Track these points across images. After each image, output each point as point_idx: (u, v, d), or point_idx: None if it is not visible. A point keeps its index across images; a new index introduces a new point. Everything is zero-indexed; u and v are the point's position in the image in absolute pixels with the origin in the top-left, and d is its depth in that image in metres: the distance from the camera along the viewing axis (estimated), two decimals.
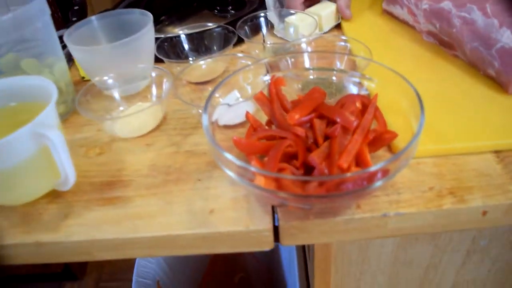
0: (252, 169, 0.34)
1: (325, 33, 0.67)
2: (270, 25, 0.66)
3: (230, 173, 0.36)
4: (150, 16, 0.58)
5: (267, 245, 0.40)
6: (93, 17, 0.61)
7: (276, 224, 0.39)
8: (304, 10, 0.66)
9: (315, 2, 0.70)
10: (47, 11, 0.54)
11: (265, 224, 0.39)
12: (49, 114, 0.40)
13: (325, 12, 0.66)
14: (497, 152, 0.44)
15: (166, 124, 0.53)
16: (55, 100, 0.41)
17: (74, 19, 0.86)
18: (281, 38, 0.66)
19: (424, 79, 0.54)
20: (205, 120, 0.39)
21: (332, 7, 0.67)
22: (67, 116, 0.57)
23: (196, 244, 0.41)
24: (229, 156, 0.34)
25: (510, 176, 0.41)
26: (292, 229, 0.39)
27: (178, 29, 0.66)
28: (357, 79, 0.47)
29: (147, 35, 0.56)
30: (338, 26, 0.70)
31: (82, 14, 0.87)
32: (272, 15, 0.66)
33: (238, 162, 0.34)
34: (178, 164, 0.47)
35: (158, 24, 0.70)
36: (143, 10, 0.60)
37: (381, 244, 0.49)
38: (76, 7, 0.90)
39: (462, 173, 0.42)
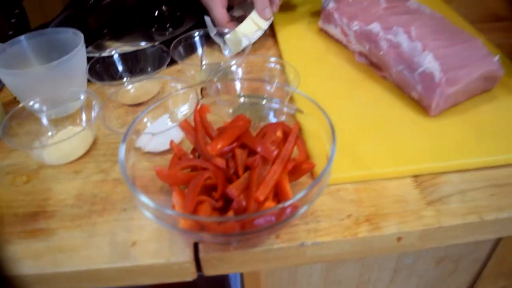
0: (167, 212, 0.34)
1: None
2: (206, 44, 0.66)
3: (147, 214, 0.36)
4: (81, 36, 0.57)
5: (189, 276, 0.41)
6: (22, 37, 0.60)
7: (198, 255, 0.40)
8: (234, 28, 0.67)
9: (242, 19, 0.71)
10: None
11: (187, 256, 0.39)
12: None
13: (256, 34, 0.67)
14: (416, 176, 0.46)
15: (96, 149, 0.53)
16: None
17: (10, 33, 0.83)
18: (220, 56, 0.66)
19: (353, 101, 0.55)
20: (121, 152, 0.39)
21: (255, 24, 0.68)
22: None
23: (119, 277, 0.41)
24: (143, 198, 0.34)
25: (426, 201, 0.43)
26: (214, 260, 0.40)
27: (115, 46, 0.65)
28: (284, 107, 0.48)
29: (78, 56, 0.55)
30: (275, 43, 0.71)
31: (21, 28, 0.85)
32: (214, 35, 0.66)
33: (152, 205, 0.34)
34: (104, 193, 0.47)
35: (98, 39, 0.69)
36: (75, 30, 0.59)
37: (310, 266, 0.50)
38: (13, 20, 0.87)
39: (380, 199, 0.43)
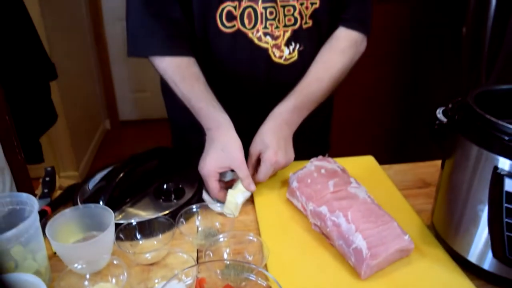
0: None
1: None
2: (201, 214, 0.89)
3: None
4: (112, 215, 0.79)
5: None
6: (67, 210, 0.82)
7: None
8: (226, 196, 0.91)
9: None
10: (37, 216, 0.74)
11: None
12: None
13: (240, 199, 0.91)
14: None
15: None
16: None
17: (45, 190, 1.06)
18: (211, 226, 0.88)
19: (307, 266, 0.76)
20: None
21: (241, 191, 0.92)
22: None
23: None
24: None
25: None
26: None
27: (132, 212, 0.88)
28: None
29: (109, 232, 0.77)
30: (253, 208, 0.94)
31: (52, 186, 1.08)
32: (211, 203, 0.90)
33: None
34: None
35: (121, 206, 0.91)
36: (107, 208, 0.81)
37: None
38: (47, 178, 1.10)
39: None
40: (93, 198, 0.90)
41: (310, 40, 1.09)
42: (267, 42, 1.05)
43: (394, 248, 0.73)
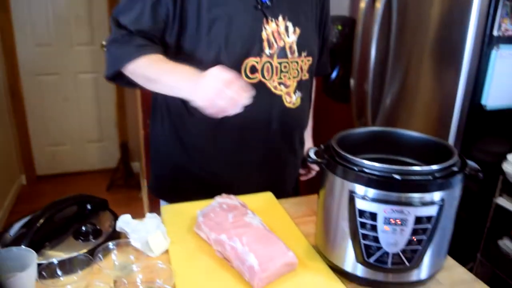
0: None
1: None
2: (118, 249, 1.00)
3: None
4: (33, 253, 0.88)
5: None
6: None
7: None
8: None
9: None
10: None
11: None
12: None
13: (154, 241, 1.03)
14: None
15: None
16: None
17: None
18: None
19: (211, 286, 0.90)
20: None
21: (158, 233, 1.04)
22: None
23: None
24: None
25: None
26: None
27: (53, 253, 0.96)
28: None
29: (32, 269, 0.85)
30: None
31: None
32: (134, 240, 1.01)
33: None
34: None
35: (42, 249, 0.99)
36: (27, 248, 0.89)
37: None
38: None
39: None
40: (14, 243, 0.98)
41: (306, 89, 1.37)
42: (281, 90, 1.28)
43: (280, 263, 0.89)
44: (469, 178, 0.87)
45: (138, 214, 1.15)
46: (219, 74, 1.01)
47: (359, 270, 0.89)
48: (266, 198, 1.27)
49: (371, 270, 0.87)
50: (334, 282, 0.91)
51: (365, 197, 0.82)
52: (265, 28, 1.23)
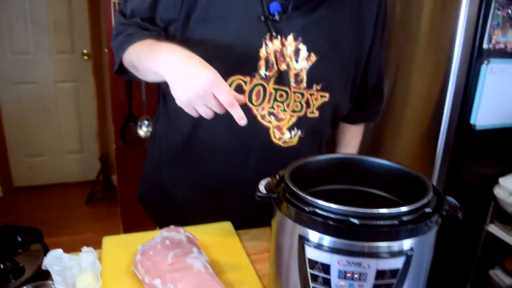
0: None
1: None
2: None
3: None
4: None
5: None
6: None
7: None
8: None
9: None
10: None
11: None
12: None
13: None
14: None
15: None
16: None
17: None
18: None
19: None
20: None
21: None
22: None
23: None
24: None
25: None
26: None
27: None
28: None
29: None
30: None
31: None
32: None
33: None
34: None
35: None
36: None
37: None
38: None
39: None
40: None
41: (312, 129, 1.12)
42: (270, 122, 1.06)
43: None
44: (447, 219, 0.73)
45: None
46: (211, 77, 0.82)
47: None
48: (223, 228, 1.12)
49: None
50: None
51: (317, 245, 0.67)
52: (266, 44, 1.03)
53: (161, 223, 1.23)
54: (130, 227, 0.96)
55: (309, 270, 0.68)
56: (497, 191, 1.55)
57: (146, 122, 2.08)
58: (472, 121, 1.43)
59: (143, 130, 2.10)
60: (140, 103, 2.07)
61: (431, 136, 1.46)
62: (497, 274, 1.71)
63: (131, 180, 1.40)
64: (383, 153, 1.66)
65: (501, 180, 1.54)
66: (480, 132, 1.46)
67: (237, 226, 1.13)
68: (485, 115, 1.42)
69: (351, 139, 1.24)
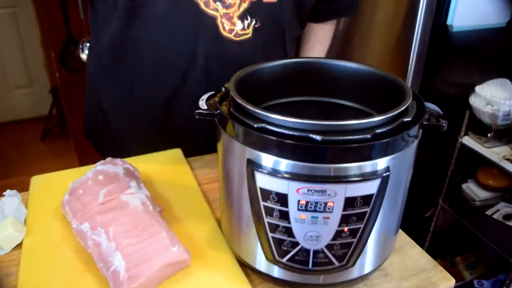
0: None
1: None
2: None
3: None
4: None
5: None
6: None
7: None
8: None
9: None
10: None
11: None
12: None
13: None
14: None
15: None
16: None
17: None
18: None
19: None
20: None
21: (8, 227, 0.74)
22: None
23: None
24: None
25: None
26: None
27: None
28: None
29: None
30: None
31: None
32: None
33: None
34: None
35: None
36: None
37: None
38: None
39: None
40: None
41: (269, 19, 0.92)
42: (216, 10, 0.87)
43: (159, 265, 0.62)
44: (429, 129, 0.60)
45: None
46: None
47: (275, 270, 0.62)
48: (172, 156, 0.98)
49: (288, 272, 0.60)
50: (240, 284, 0.65)
51: (270, 171, 0.53)
52: None
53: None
54: (87, 163, 0.84)
55: (262, 202, 0.55)
56: (473, 100, 1.44)
57: (88, 44, 1.83)
58: (449, 22, 1.28)
59: (86, 53, 1.86)
60: (79, 23, 1.82)
61: (404, 40, 1.31)
62: (470, 187, 1.65)
63: (80, 110, 1.21)
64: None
65: (478, 88, 1.43)
66: (457, 35, 1.31)
67: (190, 153, 0.98)
68: (463, 15, 1.27)
69: (316, 43, 1.04)
